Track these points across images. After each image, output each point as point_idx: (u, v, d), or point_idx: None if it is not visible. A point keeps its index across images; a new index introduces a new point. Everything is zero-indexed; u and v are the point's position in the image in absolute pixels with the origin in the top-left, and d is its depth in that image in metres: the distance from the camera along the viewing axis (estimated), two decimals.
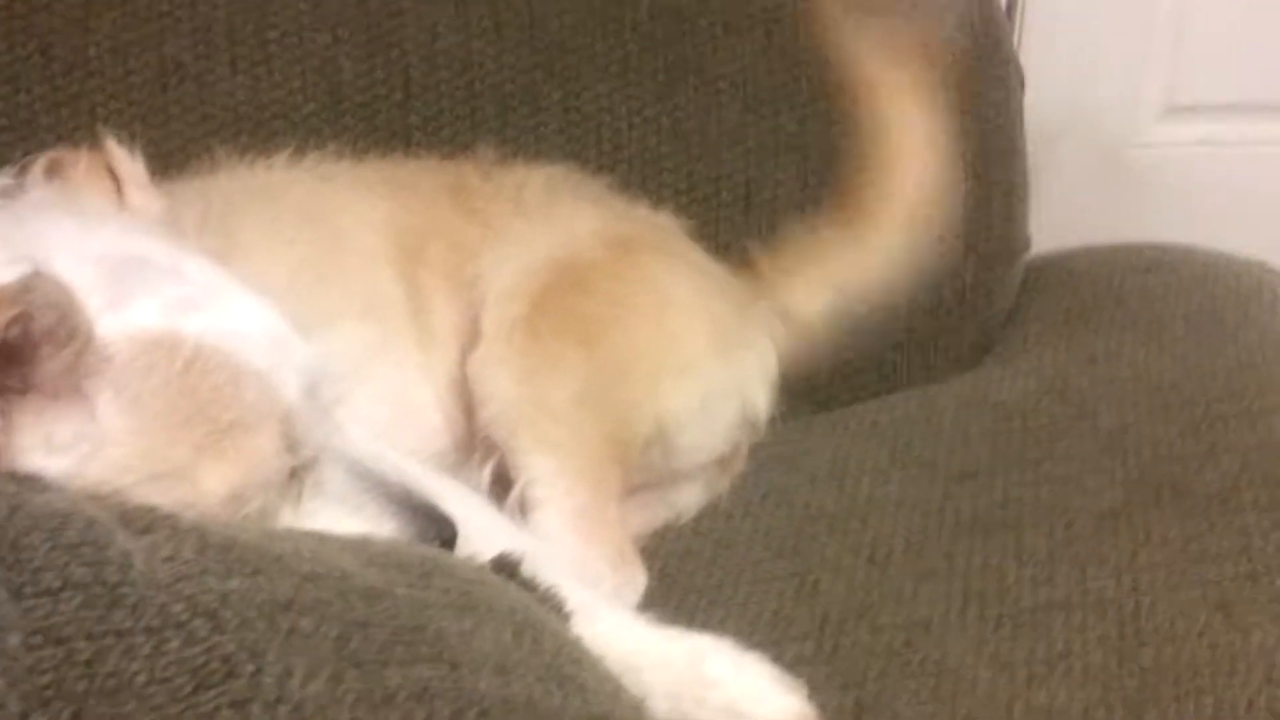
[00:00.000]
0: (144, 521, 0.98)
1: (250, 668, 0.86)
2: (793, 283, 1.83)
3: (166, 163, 1.68)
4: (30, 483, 1.02)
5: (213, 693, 0.83)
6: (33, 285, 0.98)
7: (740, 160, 1.94)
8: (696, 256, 1.75)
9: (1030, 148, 2.63)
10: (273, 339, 1.18)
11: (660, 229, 1.74)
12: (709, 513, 1.67)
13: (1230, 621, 1.41)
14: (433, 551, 1.14)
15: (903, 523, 1.61)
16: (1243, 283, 2.04)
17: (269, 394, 1.15)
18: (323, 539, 1.09)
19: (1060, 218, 2.76)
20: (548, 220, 1.63)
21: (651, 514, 1.63)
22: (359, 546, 1.09)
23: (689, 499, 1.66)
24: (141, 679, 0.83)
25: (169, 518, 1.00)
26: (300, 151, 1.65)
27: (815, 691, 1.32)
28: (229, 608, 0.89)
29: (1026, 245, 2.11)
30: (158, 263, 1.14)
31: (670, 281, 1.64)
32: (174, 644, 0.85)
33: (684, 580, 1.54)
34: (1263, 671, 1.36)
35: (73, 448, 1.06)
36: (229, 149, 1.69)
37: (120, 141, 1.32)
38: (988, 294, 2.04)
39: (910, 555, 1.55)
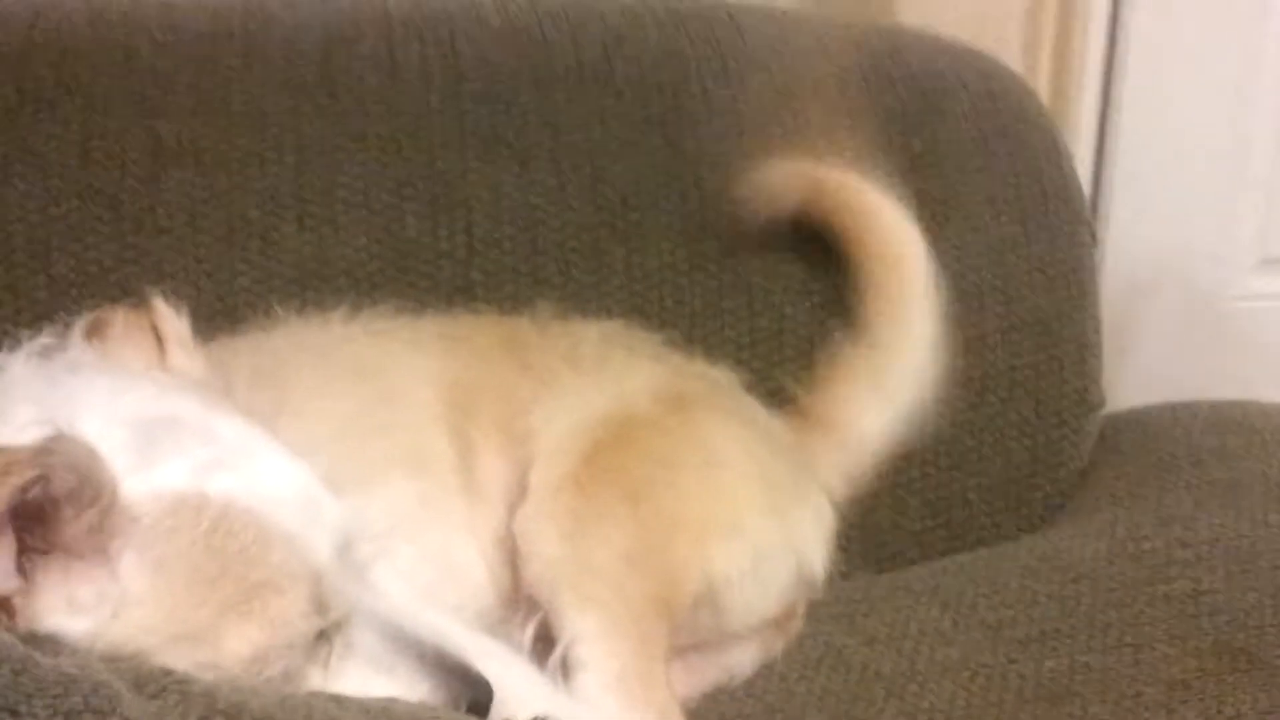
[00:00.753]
0: (157, 686, 0.98)
1: None
2: (845, 407, 1.81)
3: (232, 319, 1.73)
4: (47, 644, 1.02)
5: None
6: (54, 448, 0.99)
7: (804, 315, 1.93)
8: (752, 413, 1.73)
9: (1119, 301, 2.64)
10: (304, 499, 1.18)
11: (716, 385, 1.73)
12: (763, 674, 1.63)
13: None
14: (458, 717, 1.11)
15: (963, 688, 1.56)
16: None
17: (298, 555, 1.15)
18: (342, 703, 1.08)
19: (1152, 372, 2.73)
20: (600, 376, 1.63)
21: (702, 676, 1.59)
22: (379, 711, 1.07)
23: (742, 660, 1.62)
24: None
25: (183, 682, 0.99)
26: (358, 307, 1.66)
27: None
28: None
29: (1101, 402, 2.06)
30: (189, 423, 1.15)
31: (722, 439, 1.62)
32: None
33: None
34: None
35: (95, 609, 1.07)
36: (291, 305, 1.70)
37: (170, 300, 1.33)
38: (1058, 452, 2.00)
39: None
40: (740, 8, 2.09)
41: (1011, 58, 2.45)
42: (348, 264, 1.82)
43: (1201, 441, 2.02)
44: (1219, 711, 1.49)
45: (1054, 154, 2.09)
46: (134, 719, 0.89)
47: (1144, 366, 2.74)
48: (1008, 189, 2.03)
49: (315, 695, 1.10)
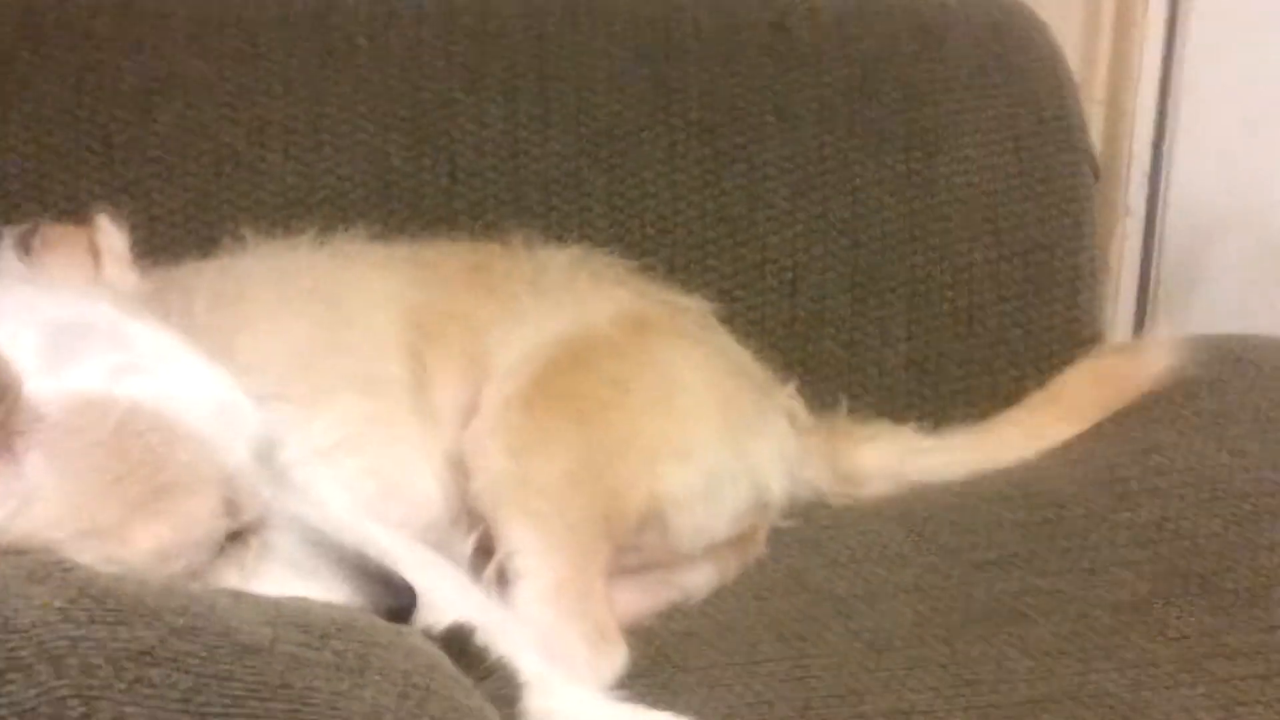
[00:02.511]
0: (43, 573, 1.03)
1: (78, 712, 0.88)
2: (865, 444, 1.83)
3: (219, 247, 1.78)
4: None
5: None
6: None
7: (787, 245, 1.94)
8: (719, 340, 1.74)
9: (1186, 245, 2.61)
10: (218, 404, 1.21)
11: (683, 311, 1.74)
12: (718, 595, 1.65)
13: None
14: (352, 616, 1.15)
15: (913, 609, 1.57)
16: None
17: (208, 457, 1.19)
18: (240, 597, 1.12)
19: (1222, 313, 2.70)
20: (562, 300, 1.65)
21: (656, 595, 1.62)
22: (270, 606, 1.11)
23: (699, 580, 1.64)
24: None
25: (68, 570, 1.04)
26: (329, 233, 1.70)
27: None
28: (75, 654, 0.92)
29: (1095, 336, 2.05)
30: (103, 330, 1.19)
31: (681, 363, 1.64)
32: (13, 686, 0.88)
33: (678, 659, 1.52)
34: None
35: (2, 503, 1.11)
36: (275, 234, 1.75)
37: (115, 219, 1.38)
38: (1042, 384, 1.98)
39: (911, 642, 1.51)
40: None
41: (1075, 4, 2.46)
42: (332, 193, 1.87)
43: (1199, 374, 1.99)
44: (1163, 634, 1.48)
45: (1055, 86, 2.07)
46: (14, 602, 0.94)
47: (1215, 308, 2.72)
48: (1003, 120, 2.02)
49: (212, 590, 1.13)
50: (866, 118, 1.97)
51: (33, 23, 1.84)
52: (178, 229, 1.79)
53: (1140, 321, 2.81)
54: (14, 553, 1.10)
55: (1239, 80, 2.67)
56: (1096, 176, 2.11)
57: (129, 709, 0.90)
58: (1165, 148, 2.74)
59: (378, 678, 1.05)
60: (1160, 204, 2.78)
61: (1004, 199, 1.99)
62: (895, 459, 1.81)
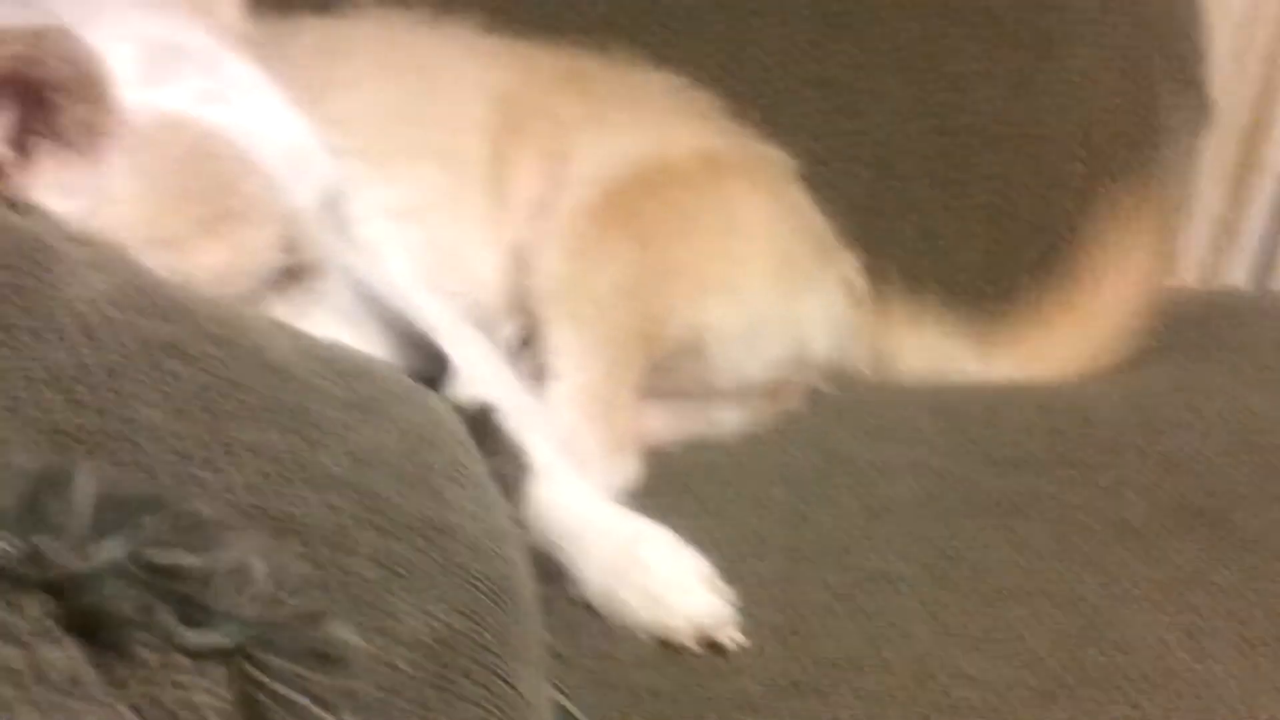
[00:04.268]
0: (102, 261, 1.10)
1: (100, 379, 0.96)
2: (910, 335, 1.87)
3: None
4: (27, 209, 1.15)
5: (58, 391, 0.94)
6: (48, 35, 1.10)
7: (883, 121, 1.96)
8: (791, 194, 1.78)
9: None
10: (293, 147, 1.28)
11: (764, 160, 1.78)
12: (743, 438, 1.70)
13: (1191, 648, 1.39)
14: (378, 364, 1.22)
15: (919, 488, 1.62)
16: None
17: (274, 194, 1.26)
18: (279, 326, 1.20)
19: None
20: (651, 121, 1.70)
21: (685, 423, 1.68)
22: (305, 339, 1.18)
23: (729, 420, 1.70)
24: (7, 368, 0.94)
25: (125, 263, 1.12)
26: (441, 15, 1.74)
27: (747, 604, 1.36)
28: (109, 329, 0.99)
29: (1173, 266, 2.05)
30: (198, 55, 1.26)
31: (747, 207, 1.69)
32: (48, 345, 0.96)
33: (688, 484, 1.58)
34: (1205, 703, 1.34)
35: (79, 197, 1.19)
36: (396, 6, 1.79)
37: None
38: None
39: (907, 516, 1.56)
40: None
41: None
42: None
43: (1264, 327, 2.01)
44: (1153, 559, 1.51)
45: (1183, 18, 2.07)
46: (62, 267, 1.02)
47: None
48: (1122, 38, 2.04)
49: (256, 314, 1.21)
50: (985, 8, 1.97)
51: None
52: None
53: (1258, 281, 2.80)
54: (86, 244, 1.18)
55: None
56: (1208, 115, 2.10)
57: (148, 390, 0.98)
58: None
59: (384, 420, 1.12)
60: None
61: (1105, 116, 2.00)
62: (937, 356, 1.84)
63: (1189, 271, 2.67)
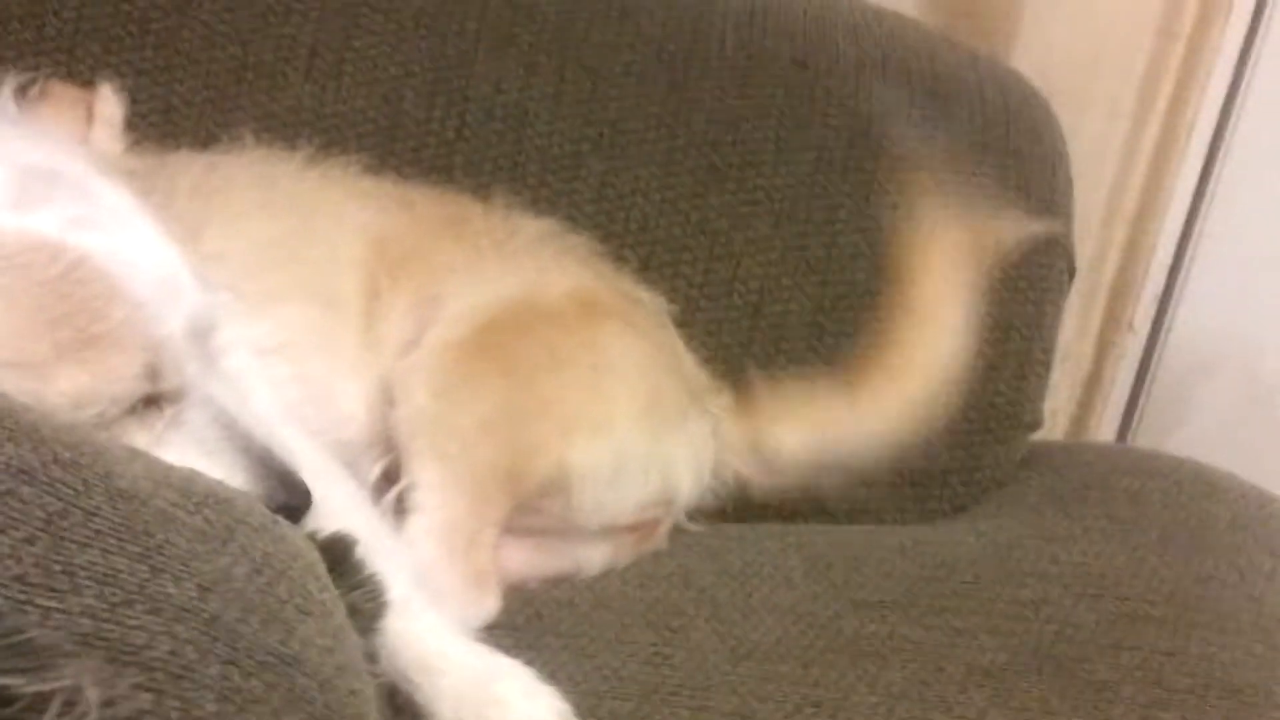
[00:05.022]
0: None
1: None
2: (781, 417, 1.89)
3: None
4: None
5: None
6: None
7: (759, 269, 2.01)
8: (664, 337, 1.82)
9: (1180, 375, 2.67)
10: (163, 275, 1.29)
11: (635, 302, 1.82)
12: (607, 575, 1.72)
13: None
14: (234, 494, 1.21)
15: (781, 628, 1.63)
16: (1242, 509, 2.01)
17: (141, 321, 1.26)
18: (134, 453, 1.20)
19: (1203, 446, 2.75)
20: (524, 265, 1.73)
21: (548, 561, 1.69)
22: (160, 467, 1.18)
23: (592, 558, 1.71)
24: None
25: None
26: (326, 156, 1.78)
27: None
28: None
29: (1035, 424, 2.11)
30: (72, 182, 1.27)
31: (619, 348, 1.72)
32: None
33: (548, 623, 1.59)
34: None
35: None
36: (273, 143, 1.83)
37: (118, 92, 1.46)
38: (977, 459, 2.05)
39: (770, 657, 1.58)
40: None
41: (1123, 112, 2.52)
42: (342, 121, 1.94)
43: (1120, 482, 2.05)
44: (1005, 702, 1.54)
45: (1049, 178, 2.13)
46: None
47: (1202, 444, 2.77)
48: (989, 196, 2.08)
49: (112, 441, 1.21)
50: (861, 167, 2.04)
51: None
52: (190, 122, 1.87)
53: (1122, 436, 2.88)
54: None
55: (1267, 221, 2.73)
56: (1072, 276, 2.18)
57: None
58: (1180, 275, 2.80)
59: (237, 550, 1.12)
60: (1164, 328, 2.85)
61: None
62: (813, 433, 1.86)
63: (1058, 426, 2.74)
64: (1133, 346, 2.83)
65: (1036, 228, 1.97)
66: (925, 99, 2.11)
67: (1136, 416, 2.91)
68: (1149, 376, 2.88)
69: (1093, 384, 2.83)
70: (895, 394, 1.92)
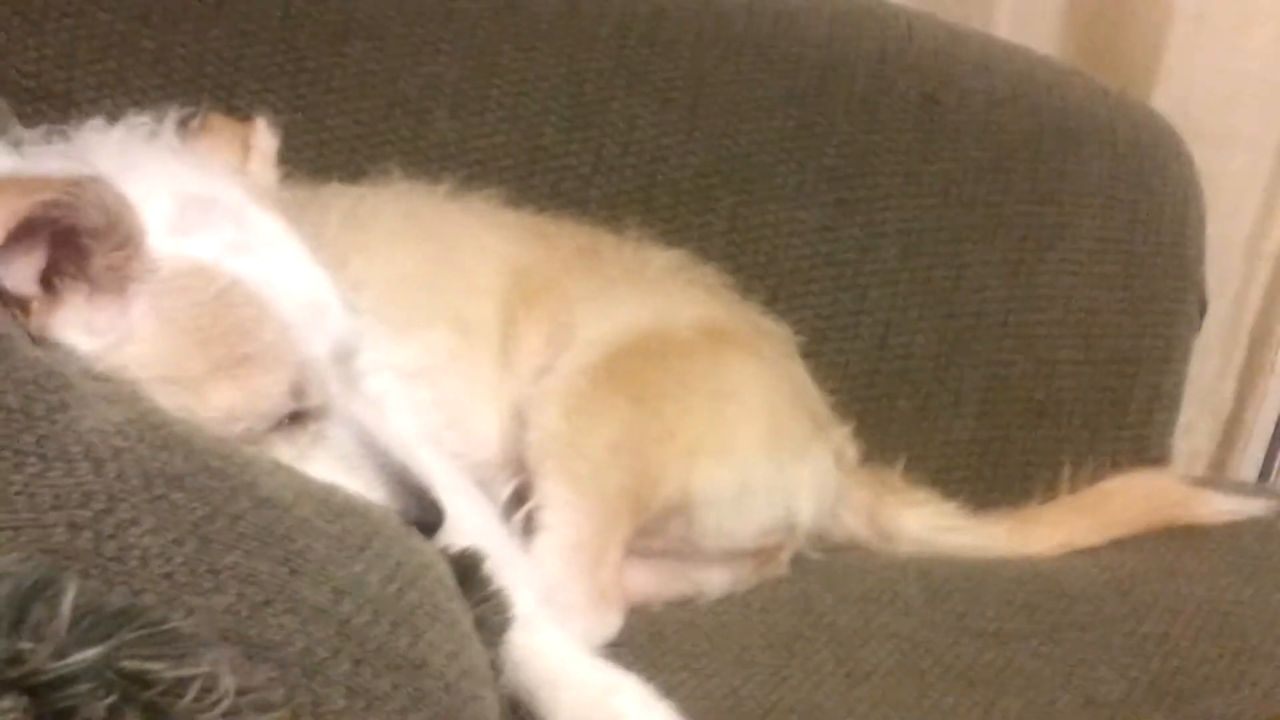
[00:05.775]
0: (117, 396, 1.19)
1: (101, 505, 1.04)
2: (916, 504, 1.95)
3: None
4: (53, 347, 1.24)
5: (60, 514, 1.01)
6: (84, 184, 1.20)
7: (886, 300, 2.04)
8: (790, 367, 1.86)
9: None
10: (312, 299, 1.37)
11: (763, 332, 1.86)
12: (729, 599, 1.76)
13: None
14: (371, 507, 1.28)
15: (899, 654, 1.66)
16: None
17: (289, 343, 1.34)
18: (279, 465, 1.28)
19: None
20: (654, 293, 1.78)
21: (672, 583, 1.74)
22: (302, 479, 1.26)
23: (715, 582, 1.76)
24: (16, 491, 1.02)
25: (139, 399, 1.21)
26: (467, 188, 1.86)
27: None
28: (116, 461, 1.07)
29: (1163, 457, 2.11)
30: (228, 209, 1.35)
31: (743, 376, 1.76)
32: (56, 472, 1.04)
33: (670, 642, 1.64)
34: None
35: (103, 335, 1.28)
36: (418, 176, 1.91)
37: (271, 124, 1.55)
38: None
39: (887, 683, 1.61)
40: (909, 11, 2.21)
41: (1266, 150, 2.51)
42: (484, 156, 2.02)
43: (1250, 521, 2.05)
44: None
45: (1181, 214, 2.15)
46: (70, 398, 1.10)
47: None
48: (1122, 233, 2.11)
49: (260, 454, 1.29)
50: (991, 201, 2.07)
51: None
52: (341, 156, 1.96)
53: (1264, 478, 2.84)
54: (104, 380, 1.27)
55: None
56: (1203, 311, 2.18)
57: (145, 516, 1.05)
58: None
59: (371, 557, 1.19)
60: None
61: (1102, 306, 2.08)
62: (930, 531, 1.91)
63: (1198, 467, 2.71)
64: (1275, 387, 2.79)
65: (1233, 507, 1.96)
66: (1055, 135, 2.13)
67: (1279, 458, 2.87)
68: None
69: (1234, 425, 2.80)
70: (1020, 542, 1.95)
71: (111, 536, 1.03)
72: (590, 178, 2.03)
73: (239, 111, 1.92)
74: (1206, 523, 1.98)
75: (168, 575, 1.04)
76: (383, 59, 2.02)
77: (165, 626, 0.91)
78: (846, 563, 1.88)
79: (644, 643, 1.63)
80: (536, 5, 2.07)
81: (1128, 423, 2.08)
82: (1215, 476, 2.47)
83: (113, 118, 1.47)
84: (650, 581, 1.71)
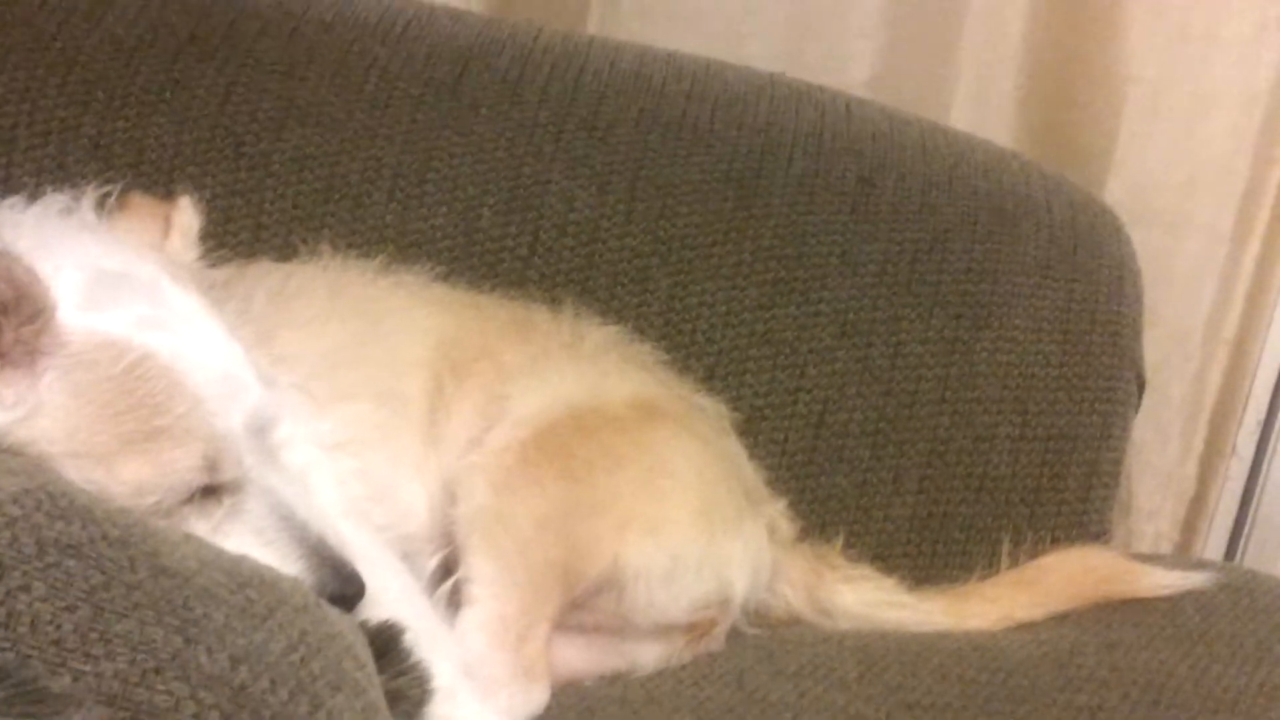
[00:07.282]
0: (19, 468, 1.20)
1: None
2: (854, 580, 1.94)
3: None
4: None
5: None
6: None
7: (823, 379, 2.05)
8: (723, 443, 1.86)
9: None
10: (224, 373, 1.38)
11: (697, 409, 1.87)
12: (660, 674, 1.75)
13: None
14: (279, 578, 1.28)
15: None
16: None
17: (202, 416, 1.35)
18: (186, 537, 1.28)
19: None
20: (588, 368, 1.79)
21: (604, 658, 1.73)
22: (211, 551, 1.26)
23: (646, 657, 1.75)
24: None
25: (40, 471, 1.21)
26: (395, 264, 1.87)
27: None
28: (10, 529, 1.08)
29: (1102, 533, 2.12)
30: (142, 284, 1.37)
31: (676, 452, 1.76)
32: None
33: (600, 717, 1.63)
34: None
35: (12, 409, 1.29)
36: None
37: (195, 202, 1.56)
38: None
39: None
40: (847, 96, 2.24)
41: (1222, 235, 2.55)
42: (423, 238, 2.04)
43: (1189, 593, 2.04)
44: None
45: (1116, 293, 2.16)
46: None
47: None
48: (1057, 311, 2.12)
49: (168, 526, 1.29)
50: (927, 280, 2.08)
51: (200, 35, 2.05)
52: (279, 239, 1.98)
53: (1230, 555, 2.84)
54: (9, 453, 1.27)
55: None
56: (1141, 389, 2.19)
57: (37, 583, 1.06)
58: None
59: (275, 627, 1.19)
60: (1269, 453, 2.82)
61: (1039, 383, 2.09)
62: (869, 606, 1.90)
63: (1161, 549, 2.71)
64: (1236, 472, 2.80)
65: (1173, 581, 1.98)
66: (991, 215, 2.15)
67: (1242, 541, 2.87)
68: (1254, 501, 2.84)
69: (1197, 507, 2.80)
70: (958, 617, 1.95)
71: (0, 602, 1.03)
72: (528, 259, 2.05)
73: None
74: (1147, 596, 1.97)
75: (56, 641, 1.04)
76: (322, 143, 2.04)
77: (34, 686, 0.91)
78: (783, 638, 1.87)
79: (574, 718, 1.62)
80: (477, 90, 2.10)
81: (1066, 498, 2.09)
82: (1155, 553, 2.46)
83: (34, 198, 1.48)
84: (582, 656, 1.70)
